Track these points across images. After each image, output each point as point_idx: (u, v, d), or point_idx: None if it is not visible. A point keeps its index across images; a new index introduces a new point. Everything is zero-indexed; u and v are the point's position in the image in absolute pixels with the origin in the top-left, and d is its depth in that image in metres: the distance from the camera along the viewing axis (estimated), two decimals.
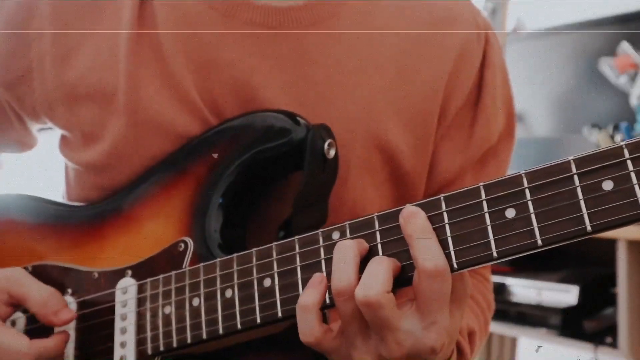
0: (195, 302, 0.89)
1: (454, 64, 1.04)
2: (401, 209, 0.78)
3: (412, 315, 0.76)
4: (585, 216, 0.69)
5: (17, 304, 0.95)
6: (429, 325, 0.76)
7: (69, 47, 1.01)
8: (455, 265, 0.75)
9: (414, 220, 0.76)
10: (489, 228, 0.73)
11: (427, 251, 0.75)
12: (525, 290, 2.64)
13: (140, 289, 0.94)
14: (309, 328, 0.79)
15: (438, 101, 1.03)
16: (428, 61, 1.03)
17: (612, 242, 2.56)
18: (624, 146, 0.69)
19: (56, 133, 1.09)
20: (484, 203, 0.74)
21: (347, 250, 0.78)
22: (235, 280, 0.87)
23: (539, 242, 0.71)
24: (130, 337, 0.93)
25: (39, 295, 0.94)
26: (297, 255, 0.84)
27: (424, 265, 0.74)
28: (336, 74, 1.00)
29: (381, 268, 0.76)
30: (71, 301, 0.98)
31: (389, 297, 0.75)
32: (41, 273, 1.01)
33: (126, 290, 0.94)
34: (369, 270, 0.76)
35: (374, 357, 0.78)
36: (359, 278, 0.76)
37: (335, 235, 0.82)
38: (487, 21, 1.11)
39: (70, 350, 0.96)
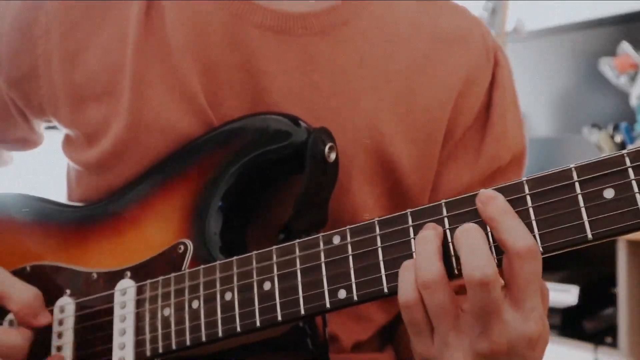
0: (195, 304, 0.89)
1: (463, 83, 1.04)
2: (403, 213, 0.78)
3: (507, 304, 0.72)
4: (586, 224, 0.69)
5: None
6: (528, 313, 0.71)
7: (77, 47, 1.01)
8: (455, 272, 0.75)
9: (494, 202, 0.72)
10: (489, 235, 0.73)
11: (515, 232, 0.71)
12: None
13: (140, 291, 0.93)
14: (406, 287, 0.75)
15: (445, 119, 1.03)
16: (436, 78, 1.03)
17: (612, 242, 2.57)
18: (625, 154, 0.69)
19: (61, 132, 1.09)
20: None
21: (427, 240, 0.74)
22: (235, 283, 0.86)
23: (540, 249, 0.71)
24: (129, 339, 0.92)
25: (22, 295, 0.95)
26: (297, 259, 0.83)
27: (515, 246, 0.70)
28: (343, 83, 0.99)
29: (481, 243, 0.71)
30: (70, 302, 0.97)
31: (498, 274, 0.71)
32: (40, 273, 1.01)
33: (125, 292, 0.94)
34: (470, 247, 0.71)
35: (469, 354, 0.73)
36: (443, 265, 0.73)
37: (336, 239, 0.82)
38: (495, 42, 1.11)
39: (68, 351, 0.96)
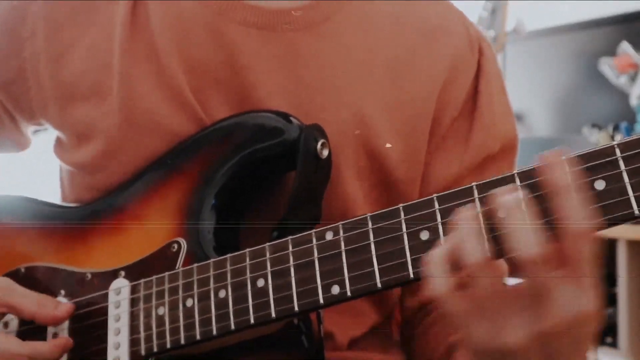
0: (189, 302, 0.88)
1: (448, 73, 1.04)
2: (395, 208, 0.78)
3: (564, 281, 0.69)
4: None
5: (8, 312, 0.95)
6: (587, 290, 0.69)
7: (63, 47, 1.01)
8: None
9: (557, 171, 0.69)
10: (482, 229, 0.72)
11: (574, 206, 0.68)
12: None
13: (134, 290, 0.93)
14: (436, 280, 0.72)
15: (430, 110, 1.03)
16: (421, 70, 1.03)
17: (612, 242, 2.56)
18: (615, 145, 0.68)
19: (53, 135, 1.09)
20: (477, 201, 0.74)
21: (471, 221, 0.72)
22: (229, 281, 0.86)
23: None
24: (123, 338, 0.92)
25: (34, 297, 0.94)
26: (291, 255, 0.83)
27: (575, 220, 0.68)
28: (328, 77, 1.00)
29: (529, 220, 0.69)
30: (64, 302, 0.97)
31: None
32: (34, 274, 1.01)
33: (119, 291, 0.94)
34: (523, 228, 0.69)
35: (521, 335, 0.70)
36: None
37: (329, 235, 0.81)
38: (479, 32, 1.11)
39: None
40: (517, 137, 1.10)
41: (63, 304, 0.95)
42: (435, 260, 0.72)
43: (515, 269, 0.70)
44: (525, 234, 0.69)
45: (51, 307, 0.94)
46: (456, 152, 1.05)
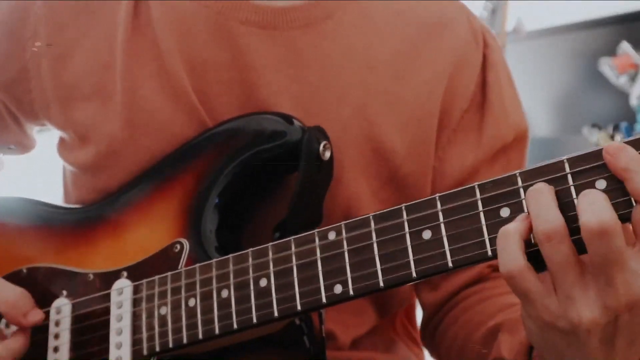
0: (191, 302, 0.89)
1: (453, 67, 1.04)
2: (398, 208, 0.78)
3: (637, 254, 0.67)
4: None
5: None
6: None
7: (65, 48, 1.02)
8: (450, 265, 0.75)
9: (625, 154, 0.68)
10: (484, 227, 0.73)
11: None
12: None
13: (136, 290, 0.94)
14: (510, 256, 0.70)
15: (436, 104, 1.03)
16: (424, 65, 1.04)
17: None
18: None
19: (56, 135, 1.09)
20: (479, 202, 0.74)
21: (542, 192, 0.70)
22: (232, 280, 0.86)
23: (532, 240, 0.71)
24: (125, 338, 0.92)
25: (8, 295, 0.94)
26: (293, 255, 0.83)
27: None
28: (330, 75, 1.00)
29: (600, 196, 0.68)
30: (66, 303, 0.97)
31: (620, 224, 0.67)
32: (36, 275, 1.01)
33: (122, 292, 0.94)
34: (588, 199, 0.68)
35: (596, 308, 0.68)
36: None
37: (332, 235, 0.82)
38: (482, 24, 1.11)
39: (64, 351, 0.96)
40: (528, 126, 1.11)
41: (35, 312, 0.95)
42: (510, 234, 0.71)
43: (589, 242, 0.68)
44: (591, 204, 0.67)
45: (20, 314, 0.94)
46: (469, 144, 1.05)
